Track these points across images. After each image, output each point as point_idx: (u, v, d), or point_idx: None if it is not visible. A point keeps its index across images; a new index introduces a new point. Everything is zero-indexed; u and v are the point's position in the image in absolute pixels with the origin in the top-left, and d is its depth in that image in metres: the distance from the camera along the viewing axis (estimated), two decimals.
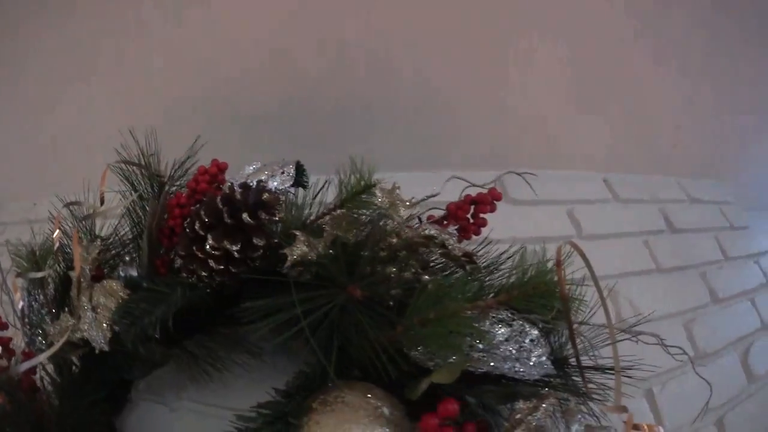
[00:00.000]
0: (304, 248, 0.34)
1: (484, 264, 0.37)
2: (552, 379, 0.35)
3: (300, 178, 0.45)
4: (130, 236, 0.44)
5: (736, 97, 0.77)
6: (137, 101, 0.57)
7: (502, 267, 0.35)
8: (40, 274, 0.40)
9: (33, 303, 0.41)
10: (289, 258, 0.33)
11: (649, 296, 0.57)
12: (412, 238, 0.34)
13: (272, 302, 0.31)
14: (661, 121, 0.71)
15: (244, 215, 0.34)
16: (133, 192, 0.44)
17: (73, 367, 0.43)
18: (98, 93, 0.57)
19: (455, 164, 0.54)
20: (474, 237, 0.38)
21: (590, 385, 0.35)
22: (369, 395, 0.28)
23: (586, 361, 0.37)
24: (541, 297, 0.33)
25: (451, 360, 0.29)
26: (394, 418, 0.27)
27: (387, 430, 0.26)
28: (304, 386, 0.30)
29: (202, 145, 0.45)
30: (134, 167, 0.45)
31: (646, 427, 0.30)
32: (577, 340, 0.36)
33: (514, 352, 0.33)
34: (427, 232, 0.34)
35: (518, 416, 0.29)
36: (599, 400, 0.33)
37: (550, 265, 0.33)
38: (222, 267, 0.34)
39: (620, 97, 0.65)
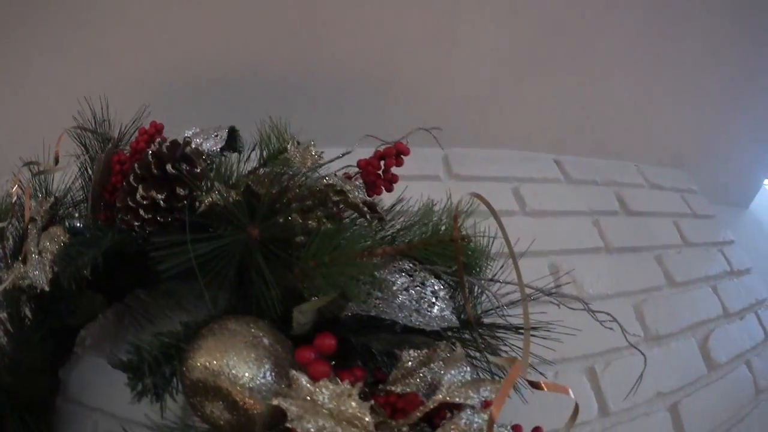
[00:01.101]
0: (217, 196, 0.37)
1: (392, 221, 0.37)
2: (454, 332, 0.35)
3: (233, 143, 0.47)
4: (82, 195, 0.47)
5: (702, 88, 0.75)
6: (96, 73, 0.61)
7: (408, 222, 0.36)
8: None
9: None
10: (202, 204, 0.36)
11: (595, 274, 0.55)
12: (315, 186, 0.35)
13: (176, 239, 0.33)
14: (617, 106, 0.70)
15: (168, 166, 0.36)
16: (84, 153, 0.48)
17: (26, 321, 0.46)
18: (60, 64, 0.60)
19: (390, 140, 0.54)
20: (387, 193, 0.39)
21: (498, 344, 0.35)
22: (252, 326, 0.28)
23: (497, 319, 0.37)
24: (442, 248, 0.34)
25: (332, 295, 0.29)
26: (273, 350, 0.27)
27: (262, 355, 0.27)
28: (207, 321, 0.32)
29: (148, 112, 0.48)
30: (88, 132, 0.49)
31: (545, 385, 0.29)
32: (486, 297, 0.36)
33: (413, 302, 0.33)
34: (327, 180, 0.36)
35: (408, 364, 0.28)
36: (498, 358, 0.33)
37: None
38: (150, 216, 0.37)
39: (572, 76, 0.64)
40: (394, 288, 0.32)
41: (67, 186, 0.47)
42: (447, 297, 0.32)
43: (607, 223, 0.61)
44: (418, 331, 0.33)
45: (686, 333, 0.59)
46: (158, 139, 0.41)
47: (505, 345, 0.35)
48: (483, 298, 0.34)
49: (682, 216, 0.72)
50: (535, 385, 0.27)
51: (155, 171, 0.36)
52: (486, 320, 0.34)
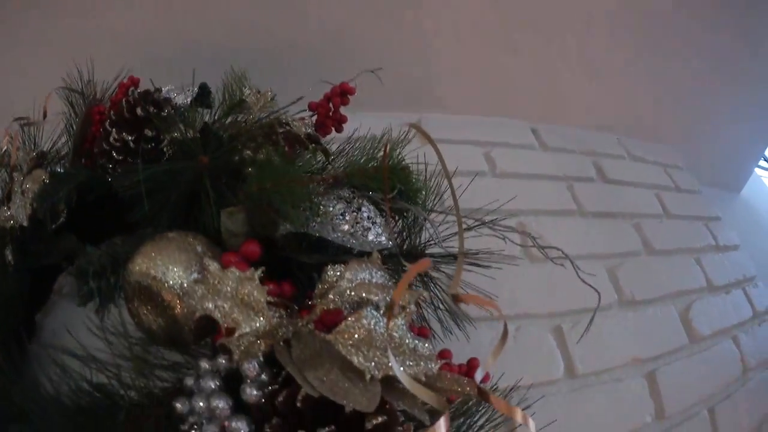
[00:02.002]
0: (177, 134, 0.39)
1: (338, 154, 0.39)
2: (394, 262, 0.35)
3: (205, 98, 0.51)
4: (66, 149, 0.51)
5: (690, 63, 0.73)
6: (84, 35, 0.64)
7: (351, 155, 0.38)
8: None
9: None
10: (165, 139, 0.39)
11: (565, 235, 0.54)
12: (264, 122, 0.38)
13: (136, 167, 0.36)
14: (600, 78, 0.68)
15: (138, 109, 0.40)
16: (71, 112, 0.51)
17: (8, 263, 0.49)
18: (52, 28, 0.64)
19: (370, 106, 0.54)
20: (337, 133, 0.40)
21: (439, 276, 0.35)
22: (190, 236, 0.30)
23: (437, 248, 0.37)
24: (380, 177, 0.35)
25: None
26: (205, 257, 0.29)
27: (193, 260, 0.28)
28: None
29: (131, 71, 0.52)
30: (75, 93, 0.53)
31: (465, 298, 0.28)
32: (426, 227, 0.36)
33: (350, 227, 0.34)
34: (276, 116, 0.38)
35: (332, 279, 0.29)
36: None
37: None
38: (122, 158, 0.40)
39: (552, 46, 0.63)
40: (331, 211, 0.33)
41: (54, 141, 0.51)
42: (383, 223, 0.33)
43: (582, 189, 0.60)
44: (356, 256, 0.34)
45: (665, 301, 0.56)
46: (132, 88, 0.45)
47: (447, 275, 0.35)
48: (423, 230, 0.35)
49: (664, 189, 0.70)
50: (458, 299, 0.27)
51: (127, 115, 0.40)
52: (427, 251, 0.35)
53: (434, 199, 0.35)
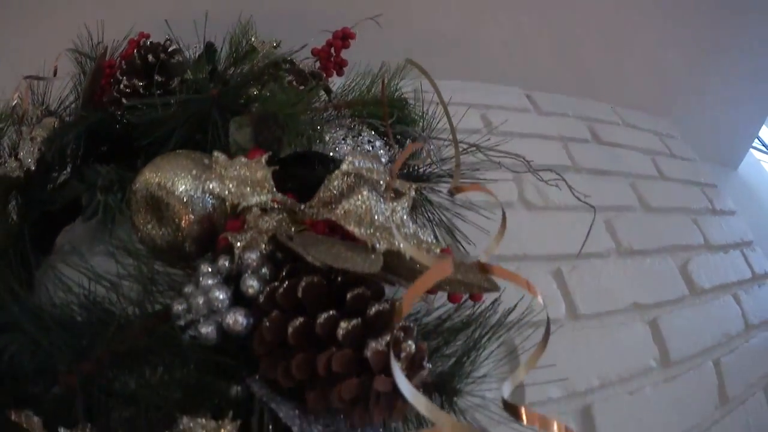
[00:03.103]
0: (190, 75, 0.41)
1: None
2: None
3: (211, 56, 0.52)
4: (74, 106, 0.52)
5: (686, 34, 0.73)
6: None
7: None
8: None
9: None
10: (175, 81, 0.40)
11: (558, 187, 0.55)
12: (270, 63, 0.39)
13: (149, 101, 0.37)
14: (594, 45, 0.69)
15: (149, 56, 0.41)
16: (80, 72, 0.53)
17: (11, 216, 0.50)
18: None
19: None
20: (337, 76, 0.41)
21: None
22: (198, 153, 0.31)
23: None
24: (378, 107, 0.36)
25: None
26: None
27: (201, 172, 0.27)
28: None
29: (139, 30, 0.54)
30: (85, 57, 0.55)
31: (468, 188, 0.28)
32: (426, 149, 0.37)
33: (350, 149, 0.35)
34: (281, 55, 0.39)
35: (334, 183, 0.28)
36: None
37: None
38: (130, 105, 0.42)
39: (547, 13, 0.64)
40: (333, 135, 0.34)
41: (62, 99, 0.53)
42: (383, 145, 0.34)
43: (576, 148, 0.60)
44: None
45: (663, 253, 0.56)
46: (144, 39, 0.47)
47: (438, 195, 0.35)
48: (423, 155, 0.35)
49: (659, 154, 0.70)
50: (459, 189, 0.27)
51: (138, 62, 0.42)
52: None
53: (429, 127, 0.36)
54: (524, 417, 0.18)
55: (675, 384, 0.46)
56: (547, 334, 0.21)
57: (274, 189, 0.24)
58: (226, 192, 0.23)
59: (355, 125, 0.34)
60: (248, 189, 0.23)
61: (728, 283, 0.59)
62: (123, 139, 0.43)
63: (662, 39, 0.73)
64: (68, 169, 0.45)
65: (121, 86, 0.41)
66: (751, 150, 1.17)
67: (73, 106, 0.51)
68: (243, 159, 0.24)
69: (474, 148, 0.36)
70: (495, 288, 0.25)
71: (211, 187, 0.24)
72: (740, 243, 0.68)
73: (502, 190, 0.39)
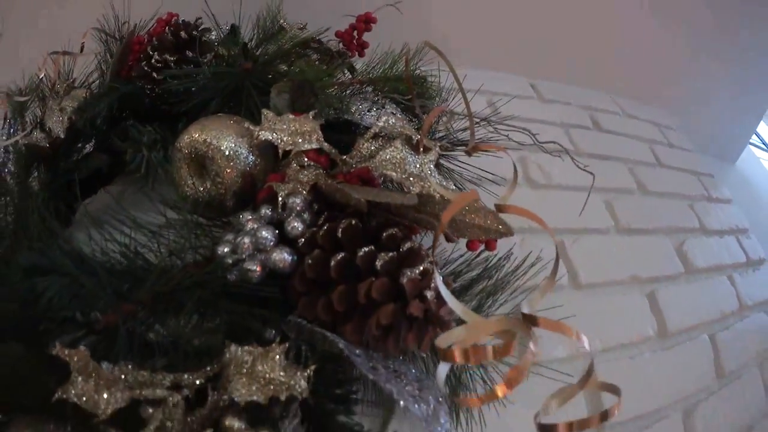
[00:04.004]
0: (223, 50, 0.45)
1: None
2: None
3: (235, 37, 0.57)
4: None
5: (688, 28, 0.79)
6: None
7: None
8: (23, 99, 0.51)
9: (12, 129, 0.53)
10: (209, 55, 0.44)
11: (562, 167, 0.57)
12: (299, 42, 0.43)
13: (186, 71, 0.41)
14: (598, 36, 0.74)
15: (182, 32, 0.46)
16: (105, 51, 0.57)
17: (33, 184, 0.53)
18: None
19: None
20: (359, 57, 0.46)
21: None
22: (238, 117, 0.35)
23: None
24: (399, 80, 0.41)
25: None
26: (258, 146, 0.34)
27: (244, 135, 0.31)
28: None
29: (163, 12, 0.58)
30: (111, 37, 0.59)
31: (482, 147, 0.33)
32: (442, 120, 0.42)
33: (375, 118, 0.40)
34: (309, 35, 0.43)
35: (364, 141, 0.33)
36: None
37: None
38: (162, 77, 0.46)
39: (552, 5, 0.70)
40: (359, 107, 0.38)
41: (87, 75, 0.56)
42: (404, 117, 0.38)
43: (577, 134, 0.65)
44: None
45: (659, 234, 0.60)
46: (176, 18, 0.51)
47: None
48: (439, 124, 0.40)
49: (658, 143, 0.75)
50: (475, 148, 0.32)
51: (170, 38, 0.46)
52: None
53: (445, 102, 0.41)
54: (541, 323, 0.23)
55: (673, 353, 0.51)
56: (556, 263, 0.25)
57: (322, 139, 0.28)
58: (279, 140, 0.27)
59: (378, 99, 0.38)
60: (299, 138, 0.27)
61: (723, 265, 0.65)
62: (151, 110, 0.47)
63: (663, 32, 0.79)
64: (92, 143, 0.48)
65: (152, 61, 0.44)
66: (751, 147, 1.25)
67: (97, 82, 0.55)
68: (291, 116, 0.29)
69: (484, 122, 0.40)
70: (510, 232, 0.30)
71: (265, 136, 0.27)
72: (735, 230, 0.73)
73: (508, 169, 0.44)
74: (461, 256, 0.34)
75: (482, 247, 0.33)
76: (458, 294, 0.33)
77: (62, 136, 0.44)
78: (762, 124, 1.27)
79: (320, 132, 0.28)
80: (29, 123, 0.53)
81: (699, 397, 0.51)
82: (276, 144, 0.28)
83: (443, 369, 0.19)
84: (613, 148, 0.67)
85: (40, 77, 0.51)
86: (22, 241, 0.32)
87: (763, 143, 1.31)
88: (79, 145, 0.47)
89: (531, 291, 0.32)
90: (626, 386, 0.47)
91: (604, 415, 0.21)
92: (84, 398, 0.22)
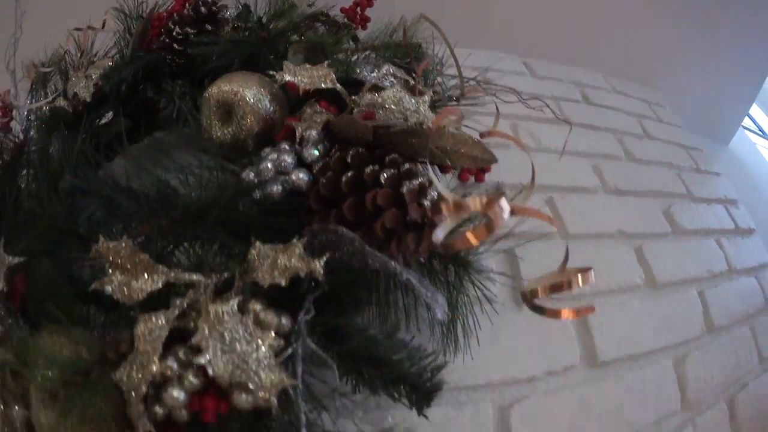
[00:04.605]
0: (240, 23, 0.53)
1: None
2: None
3: (247, 15, 0.65)
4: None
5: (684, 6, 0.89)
6: None
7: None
8: (47, 69, 0.59)
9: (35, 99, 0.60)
10: (227, 27, 0.52)
11: (552, 134, 0.65)
12: (309, 15, 0.51)
13: (209, 39, 0.48)
14: (591, 15, 0.83)
15: (201, 7, 0.54)
16: (125, 30, 0.65)
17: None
18: None
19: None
20: (362, 30, 0.53)
21: None
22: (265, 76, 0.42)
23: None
24: (400, 46, 0.48)
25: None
26: (277, 92, 0.40)
27: (268, 89, 0.37)
28: None
29: None
30: (130, 18, 0.67)
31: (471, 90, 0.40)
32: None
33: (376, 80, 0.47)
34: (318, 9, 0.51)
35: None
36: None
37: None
38: (181, 49, 0.53)
39: None
40: (363, 69, 0.45)
41: (107, 50, 0.64)
42: (402, 78, 0.45)
43: (567, 106, 0.71)
44: None
45: (646, 197, 0.66)
46: None
47: None
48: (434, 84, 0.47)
49: (647, 118, 0.82)
50: (467, 91, 0.39)
51: (191, 13, 0.54)
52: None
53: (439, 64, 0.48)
54: (517, 211, 0.29)
55: (661, 302, 0.56)
56: (533, 178, 0.32)
57: (336, 81, 0.35)
58: (300, 81, 0.34)
59: (379, 63, 0.46)
60: (316, 80, 0.35)
61: (711, 229, 0.71)
62: (175, 74, 0.55)
63: (655, 13, 0.87)
64: (110, 114, 0.55)
65: (174, 34, 0.52)
66: (747, 132, 1.33)
67: (117, 56, 0.62)
68: (309, 66, 0.36)
69: (473, 80, 0.47)
70: (494, 159, 0.36)
71: (286, 78, 0.34)
72: (724, 200, 0.79)
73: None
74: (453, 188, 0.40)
75: (472, 179, 0.39)
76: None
77: (88, 99, 0.51)
78: (758, 109, 1.36)
79: (333, 76, 0.35)
80: (51, 94, 0.60)
81: (689, 347, 0.57)
82: (297, 84, 0.35)
83: (440, 232, 0.25)
84: (601, 118, 0.73)
85: (64, 51, 0.59)
86: (62, 172, 0.38)
87: (760, 129, 1.39)
88: (102, 111, 0.54)
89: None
90: (616, 327, 0.54)
91: (585, 278, 0.27)
92: (118, 290, 0.28)
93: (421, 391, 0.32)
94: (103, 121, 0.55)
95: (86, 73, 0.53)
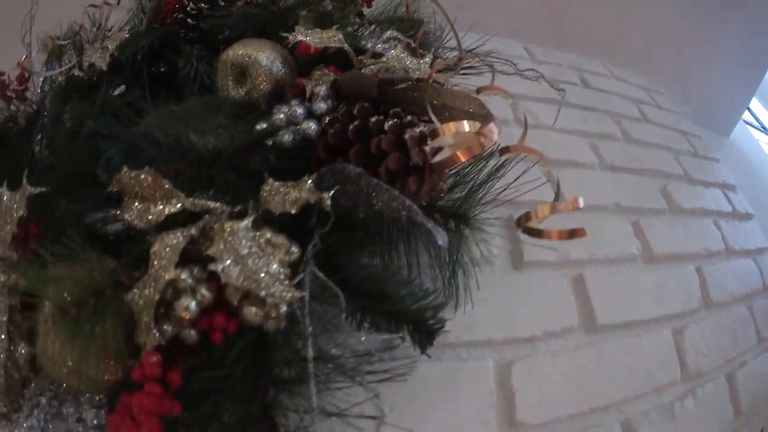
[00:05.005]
0: None
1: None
2: None
3: None
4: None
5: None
6: None
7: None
8: (64, 42, 0.63)
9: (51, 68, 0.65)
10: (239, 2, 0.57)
11: (549, 113, 0.68)
12: None
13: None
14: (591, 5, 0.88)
15: None
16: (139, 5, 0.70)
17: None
18: None
19: None
20: (366, 7, 0.57)
21: None
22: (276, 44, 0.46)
23: None
24: (403, 20, 0.53)
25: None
26: (289, 58, 0.44)
27: (279, 53, 0.41)
28: None
29: None
30: None
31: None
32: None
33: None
34: None
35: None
36: None
37: None
38: (195, 23, 0.58)
39: None
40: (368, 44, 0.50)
41: (121, 26, 0.69)
42: (404, 41, 0.50)
43: (567, 88, 0.76)
44: None
45: (644, 175, 0.69)
46: None
47: None
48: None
49: (645, 104, 0.85)
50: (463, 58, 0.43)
51: None
52: None
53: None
54: (511, 149, 0.33)
55: (658, 275, 0.59)
56: (525, 127, 0.36)
57: (344, 41, 0.39)
58: (311, 40, 0.38)
59: (383, 34, 0.50)
60: (326, 39, 0.39)
61: (708, 210, 0.74)
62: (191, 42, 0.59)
63: (655, 2, 0.92)
64: (123, 87, 0.60)
65: (188, 9, 0.57)
66: (749, 128, 1.38)
67: (131, 32, 0.67)
68: (320, 30, 0.40)
69: (471, 53, 0.52)
70: (490, 115, 0.40)
71: (298, 38, 0.39)
72: (722, 184, 0.83)
73: (501, 111, 0.55)
74: None
75: None
76: (450, 188, 0.44)
77: (104, 69, 0.56)
78: (758, 104, 1.41)
79: (341, 36, 0.39)
80: (65, 67, 0.65)
81: (687, 320, 0.60)
82: (308, 43, 0.39)
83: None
84: (600, 102, 0.77)
85: (80, 26, 0.64)
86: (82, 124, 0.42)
87: (761, 125, 1.44)
88: (116, 81, 0.58)
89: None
90: (614, 295, 0.57)
91: (575, 203, 0.30)
92: (137, 216, 0.30)
93: (424, 329, 0.35)
94: (117, 92, 0.59)
95: (102, 44, 0.58)
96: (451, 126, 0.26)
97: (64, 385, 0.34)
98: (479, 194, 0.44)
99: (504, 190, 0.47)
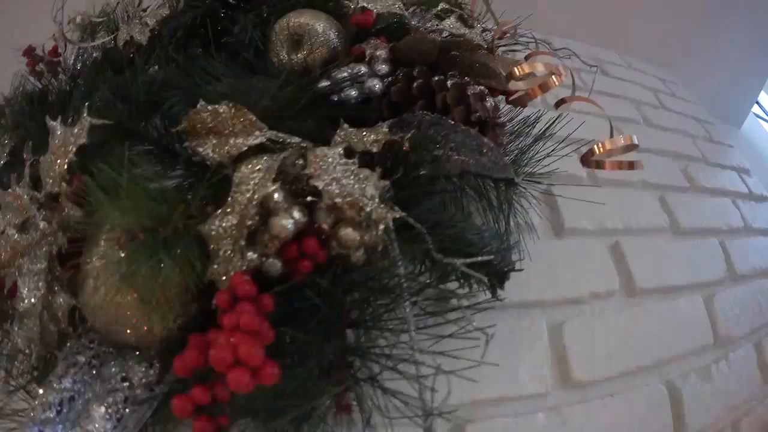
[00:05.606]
0: None
1: None
2: None
3: None
4: None
5: None
6: None
7: None
8: (99, 19, 0.67)
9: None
10: None
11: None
12: None
13: None
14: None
15: None
16: None
17: None
18: None
19: None
20: None
21: None
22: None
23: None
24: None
25: None
26: (341, 29, 0.49)
27: (334, 24, 0.46)
28: None
29: None
30: None
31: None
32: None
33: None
34: None
35: None
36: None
37: None
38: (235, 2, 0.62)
39: None
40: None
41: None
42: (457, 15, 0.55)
43: (585, 76, 0.81)
44: None
45: (666, 155, 0.75)
46: None
47: None
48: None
49: (662, 93, 0.91)
50: (502, 34, 0.48)
51: None
52: None
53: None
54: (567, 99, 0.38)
55: (685, 245, 0.64)
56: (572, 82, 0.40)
57: (403, 9, 0.44)
58: (373, 7, 0.43)
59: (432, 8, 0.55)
60: (388, 5, 0.43)
61: (727, 190, 0.80)
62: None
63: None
64: (156, 67, 0.63)
65: None
66: (760, 122, 1.47)
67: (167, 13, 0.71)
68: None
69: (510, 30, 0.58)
70: (504, 85, 0.45)
71: (360, 5, 0.43)
72: (737, 167, 0.90)
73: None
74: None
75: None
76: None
77: (144, 43, 0.59)
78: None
79: (401, 3, 0.44)
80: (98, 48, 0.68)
81: (714, 289, 0.64)
82: (370, 9, 0.43)
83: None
84: (618, 88, 0.83)
85: (116, 3, 0.68)
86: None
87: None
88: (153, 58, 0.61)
89: None
90: (648, 262, 0.61)
91: (630, 145, 0.35)
92: (213, 149, 0.32)
93: (496, 271, 0.38)
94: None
95: (143, 20, 0.61)
96: (526, 66, 0.31)
97: (108, 341, 0.32)
98: (529, 154, 0.48)
99: (545, 157, 0.52)
